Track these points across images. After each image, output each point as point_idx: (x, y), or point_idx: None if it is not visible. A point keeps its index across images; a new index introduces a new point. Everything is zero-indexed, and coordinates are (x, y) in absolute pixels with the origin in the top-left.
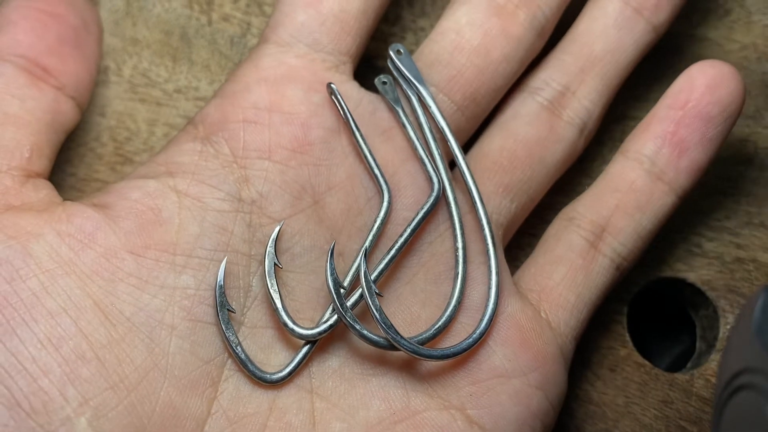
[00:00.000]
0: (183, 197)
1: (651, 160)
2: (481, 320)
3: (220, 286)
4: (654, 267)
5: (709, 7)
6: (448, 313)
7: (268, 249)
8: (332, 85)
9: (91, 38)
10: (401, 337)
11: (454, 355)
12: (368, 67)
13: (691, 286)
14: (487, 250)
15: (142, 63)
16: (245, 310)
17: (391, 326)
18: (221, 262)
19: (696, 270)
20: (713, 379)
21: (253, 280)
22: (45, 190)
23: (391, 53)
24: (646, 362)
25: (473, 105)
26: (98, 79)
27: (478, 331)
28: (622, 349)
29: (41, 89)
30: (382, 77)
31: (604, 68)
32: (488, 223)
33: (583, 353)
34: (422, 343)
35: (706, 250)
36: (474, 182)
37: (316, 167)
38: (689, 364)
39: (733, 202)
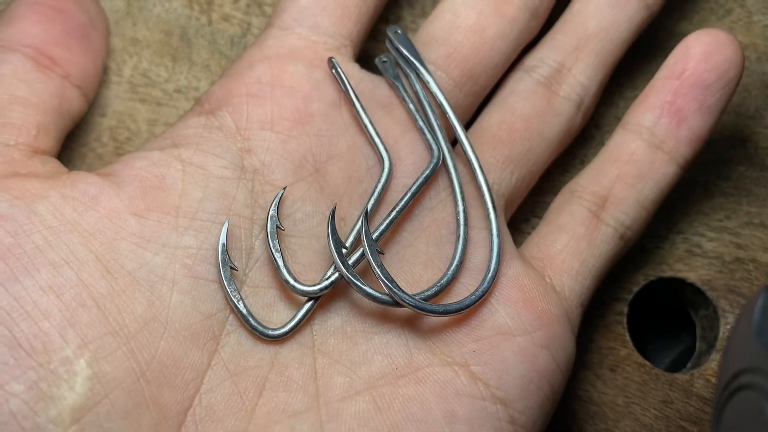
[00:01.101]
0: (187, 165)
1: (650, 130)
2: (484, 279)
3: (223, 245)
4: (654, 267)
5: (710, 7)
6: (450, 272)
7: (270, 212)
8: (333, 59)
9: (97, 33)
10: (403, 292)
11: (457, 311)
12: (369, 68)
13: (691, 286)
14: (488, 214)
15: (142, 63)
16: (247, 270)
17: (393, 281)
18: (223, 224)
19: (696, 270)
20: (713, 379)
21: (256, 243)
22: (52, 164)
23: (390, 34)
24: (646, 362)
25: (471, 81)
26: (102, 77)
27: (480, 289)
28: (623, 349)
29: (48, 76)
30: (383, 57)
31: (599, 45)
32: (488, 188)
33: (583, 353)
34: (424, 300)
35: (707, 250)
36: (472, 149)
37: (318, 138)
38: (689, 364)
39: (733, 203)
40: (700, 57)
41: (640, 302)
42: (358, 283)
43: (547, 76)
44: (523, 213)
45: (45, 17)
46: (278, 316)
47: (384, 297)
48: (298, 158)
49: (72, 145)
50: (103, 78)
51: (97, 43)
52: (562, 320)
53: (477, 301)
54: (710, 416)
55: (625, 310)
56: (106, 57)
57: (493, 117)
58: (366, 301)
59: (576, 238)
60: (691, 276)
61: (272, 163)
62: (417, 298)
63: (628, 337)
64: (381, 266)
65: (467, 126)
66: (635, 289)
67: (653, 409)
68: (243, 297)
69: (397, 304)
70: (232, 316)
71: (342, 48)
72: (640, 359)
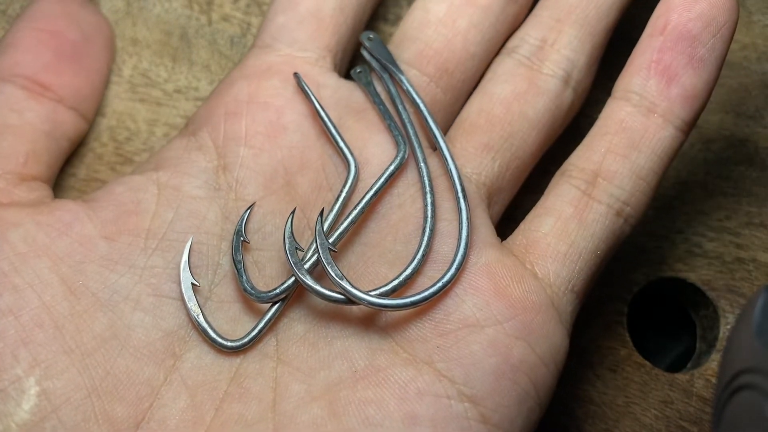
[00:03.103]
0: (163, 188)
1: (639, 94)
2: (448, 269)
3: (185, 262)
4: (654, 267)
5: None
6: (412, 265)
7: (236, 227)
8: (297, 75)
9: (93, 49)
10: (355, 288)
11: (414, 304)
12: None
13: (692, 286)
14: (458, 201)
15: (142, 63)
16: (213, 286)
17: (343, 277)
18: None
19: (696, 270)
20: (713, 379)
21: (223, 259)
22: (39, 192)
23: (363, 40)
24: (647, 362)
25: (446, 76)
26: (102, 92)
27: (442, 280)
28: (623, 349)
29: (39, 102)
30: (358, 68)
31: (582, 14)
32: (458, 176)
33: (583, 353)
34: (383, 295)
35: (707, 250)
36: (443, 139)
37: (289, 150)
38: (689, 364)
39: (733, 203)
40: (681, 7)
41: (640, 302)
42: (309, 283)
43: (528, 54)
44: (522, 213)
45: (36, 43)
46: (243, 330)
47: (337, 296)
48: (270, 172)
49: None
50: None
51: (93, 59)
52: (544, 308)
53: (438, 292)
54: (710, 416)
55: (625, 309)
56: (108, 68)
57: (472, 105)
58: (329, 306)
59: (563, 220)
60: (692, 276)
61: (245, 179)
62: (372, 293)
63: (628, 337)
64: (331, 263)
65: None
66: (635, 288)
67: (653, 409)
68: (205, 312)
69: (351, 302)
70: (194, 331)
71: (320, 60)
72: (640, 359)
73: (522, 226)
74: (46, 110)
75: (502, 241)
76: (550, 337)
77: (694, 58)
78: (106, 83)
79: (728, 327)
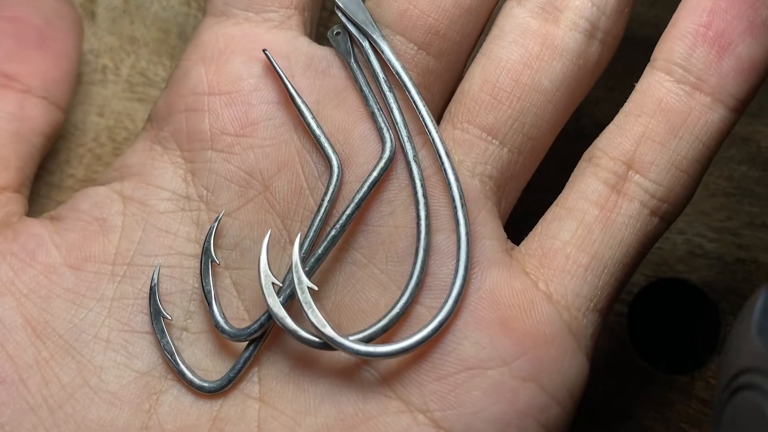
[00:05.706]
0: (128, 202)
1: (683, 66)
2: (445, 302)
3: (154, 293)
4: (655, 268)
5: None
6: (404, 299)
7: (204, 246)
8: (266, 52)
9: (58, 34)
10: (339, 335)
11: (405, 351)
12: None
13: (692, 287)
14: (455, 212)
15: (140, 62)
16: (188, 314)
17: (325, 324)
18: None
19: (697, 271)
20: (713, 381)
21: (198, 282)
22: (8, 207)
23: None
24: (646, 364)
25: (438, 39)
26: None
27: (437, 318)
28: (622, 351)
29: (4, 98)
30: (336, 28)
31: None
32: (456, 177)
33: None
34: (371, 337)
35: (708, 250)
36: (436, 128)
37: (262, 149)
38: (689, 366)
39: (735, 203)
40: None
41: (640, 303)
42: (290, 326)
43: (541, 3)
44: (518, 212)
45: None
46: (223, 365)
47: (317, 340)
48: (243, 177)
49: (70, 145)
50: (100, 77)
51: (60, 43)
52: (559, 339)
53: (433, 333)
54: (710, 418)
55: (625, 311)
56: (77, 52)
57: (475, 75)
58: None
59: (586, 225)
60: (692, 277)
61: (216, 187)
62: (358, 337)
63: (627, 339)
64: (312, 307)
65: None
66: (635, 290)
67: (653, 411)
68: (181, 347)
69: (332, 348)
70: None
71: (286, 21)
72: (640, 361)
73: (539, 228)
74: (11, 107)
75: (515, 244)
76: (565, 371)
77: (755, 23)
78: (77, 68)
79: (729, 328)
